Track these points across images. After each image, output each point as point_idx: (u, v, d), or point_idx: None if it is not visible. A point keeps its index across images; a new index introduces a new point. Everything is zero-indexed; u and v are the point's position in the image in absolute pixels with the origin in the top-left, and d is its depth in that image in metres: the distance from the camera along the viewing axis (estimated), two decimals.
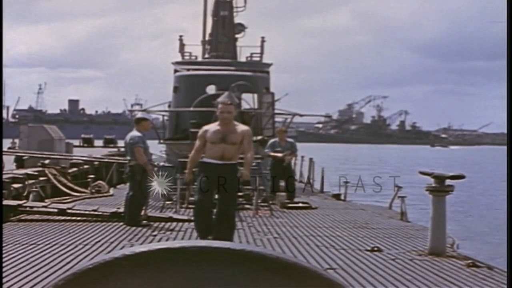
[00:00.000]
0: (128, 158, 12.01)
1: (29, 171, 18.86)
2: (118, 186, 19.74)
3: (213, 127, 9.52)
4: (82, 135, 61.41)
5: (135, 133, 11.93)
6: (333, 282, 1.65)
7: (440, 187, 8.97)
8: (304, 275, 1.62)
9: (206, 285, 1.59)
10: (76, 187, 18.80)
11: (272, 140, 16.61)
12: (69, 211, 12.55)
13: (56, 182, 18.45)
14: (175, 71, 21.39)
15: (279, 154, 15.91)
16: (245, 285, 1.59)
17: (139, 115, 13.17)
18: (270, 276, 1.60)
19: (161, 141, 20.23)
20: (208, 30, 23.88)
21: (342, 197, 17.77)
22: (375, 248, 9.50)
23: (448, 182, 9.01)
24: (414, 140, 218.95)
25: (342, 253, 9.27)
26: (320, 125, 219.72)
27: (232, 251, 1.61)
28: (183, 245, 1.61)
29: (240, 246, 1.62)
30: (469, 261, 8.50)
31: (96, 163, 25.17)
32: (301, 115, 22.04)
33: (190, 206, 12.73)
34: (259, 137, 18.46)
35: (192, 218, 10.57)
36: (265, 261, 1.60)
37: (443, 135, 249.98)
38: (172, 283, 1.60)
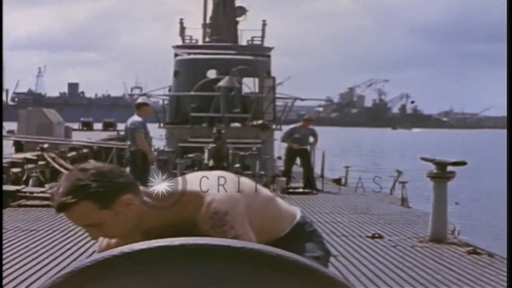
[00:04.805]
0: (129, 143, 11.98)
1: (28, 155, 18.82)
2: None
3: None
4: (82, 119, 61.48)
5: (136, 118, 11.87)
6: (335, 280, 1.62)
7: (442, 174, 8.94)
8: (305, 273, 1.59)
9: (207, 283, 1.56)
10: None
11: (292, 126, 16.40)
12: None
13: (56, 165, 18.41)
14: (176, 55, 21.30)
15: (295, 146, 15.74)
16: (245, 283, 1.56)
17: (140, 100, 13.09)
18: (271, 273, 1.57)
19: (161, 125, 20.16)
20: (209, 13, 23.79)
21: (343, 182, 17.71)
22: (376, 235, 9.49)
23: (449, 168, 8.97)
24: (415, 123, 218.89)
25: (343, 240, 9.25)
26: (321, 109, 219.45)
27: (233, 248, 1.57)
28: (182, 242, 1.58)
29: (241, 244, 1.58)
30: (470, 248, 8.48)
31: (95, 147, 25.15)
32: (302, 99, 21.89)
33: None
34: (260, 122, 18.44)
35: None
36: (266, 259, 1.57)
37: (445, 119, 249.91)
38: (172, 281, 1.57)
